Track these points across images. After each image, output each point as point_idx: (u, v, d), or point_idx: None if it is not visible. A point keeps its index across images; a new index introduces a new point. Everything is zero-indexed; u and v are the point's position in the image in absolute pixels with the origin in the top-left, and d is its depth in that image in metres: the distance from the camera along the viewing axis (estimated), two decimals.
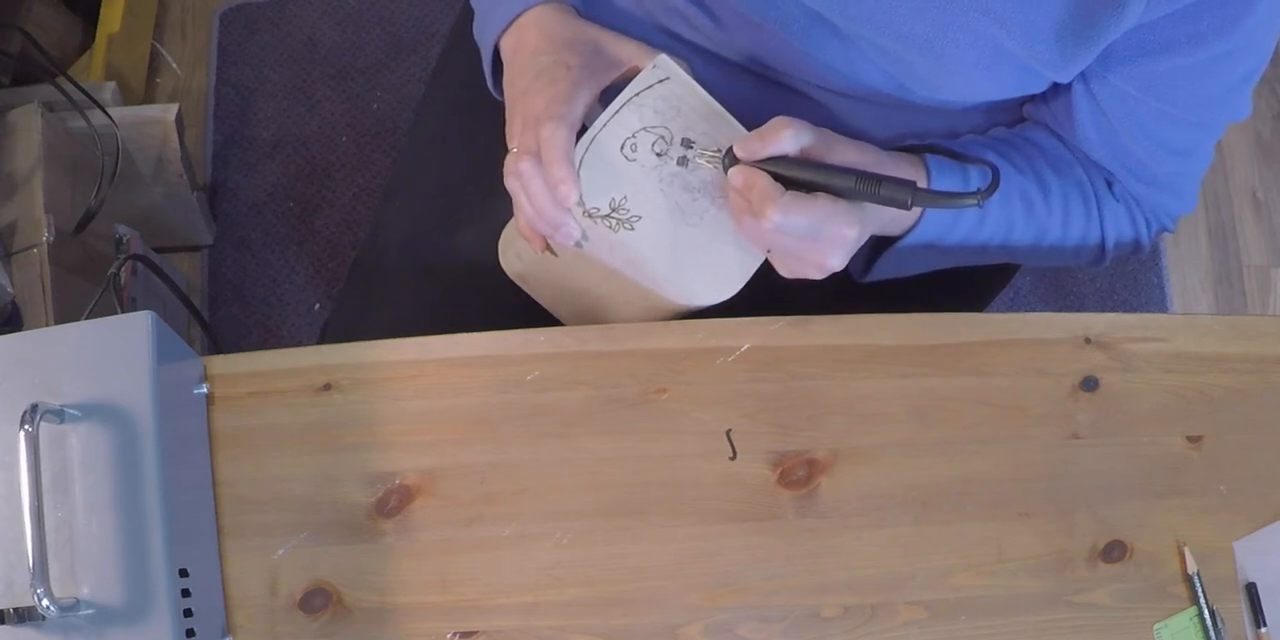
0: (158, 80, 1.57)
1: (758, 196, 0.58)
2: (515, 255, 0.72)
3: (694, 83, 0.63)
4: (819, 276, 0.63)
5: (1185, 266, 1.57)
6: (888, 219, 0.65)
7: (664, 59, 0.62)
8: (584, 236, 0.62)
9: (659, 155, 0.62)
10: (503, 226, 0.74)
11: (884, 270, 0.72)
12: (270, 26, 1.59)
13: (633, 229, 0.61)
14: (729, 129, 0.63)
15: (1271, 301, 1.57)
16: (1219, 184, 1.62)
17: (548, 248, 0.67)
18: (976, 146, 0.70)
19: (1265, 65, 0.63)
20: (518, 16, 0.67)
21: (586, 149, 0.60)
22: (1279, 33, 0.62)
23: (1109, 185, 0.71)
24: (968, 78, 0.64)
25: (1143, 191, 0.71)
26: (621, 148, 0.61)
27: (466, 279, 0.80)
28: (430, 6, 1.60)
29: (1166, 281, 1.55)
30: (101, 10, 1.46)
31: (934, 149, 0.67)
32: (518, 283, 0.75)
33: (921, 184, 0.65)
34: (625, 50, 0.66)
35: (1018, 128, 0.74)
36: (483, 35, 0.71)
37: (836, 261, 0.61)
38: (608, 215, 0.61)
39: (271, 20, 1.59)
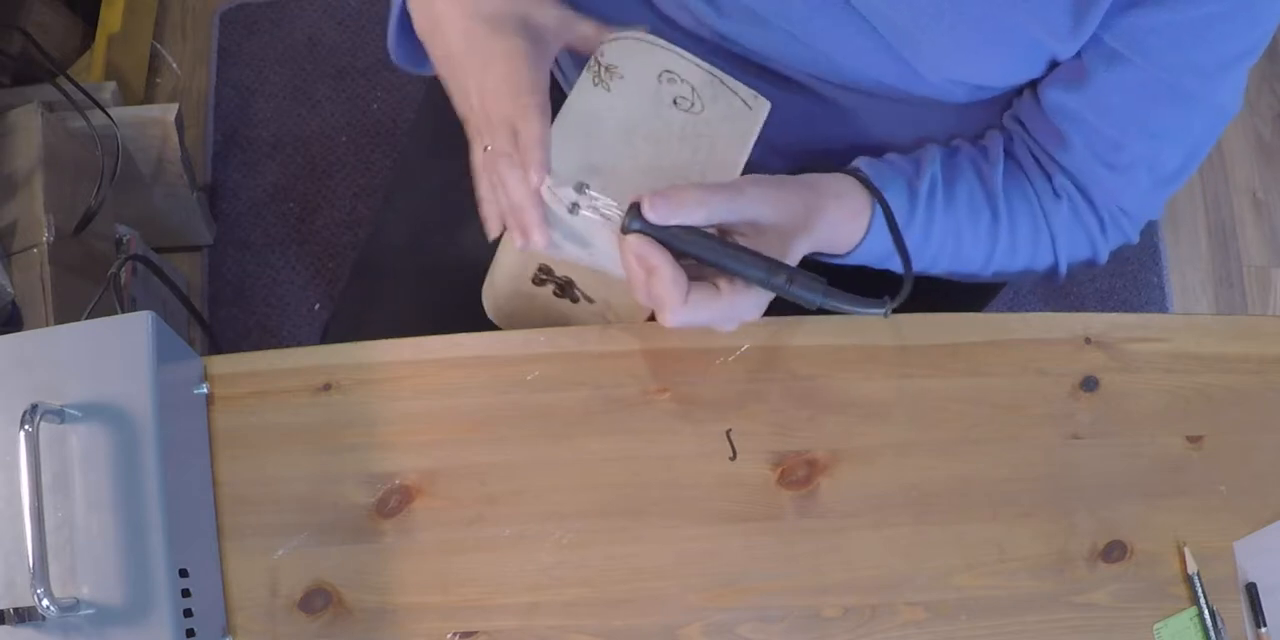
0: (158, 80, 1.57)
1: (658, 291, 0.55)
2: (494, 297, 0.72)
3: (656, 38, 0.63)
4: (731, 329, 0.61)
5: (1185, 266, 1.57)
6: (822, 245, 0.63)
7: (628, 31, 0.63)
8: (558, 226, 0.60)
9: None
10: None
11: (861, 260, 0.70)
12: (270, 26, 1.59)
13: (608, 217, 0.59)
14: (700, 71, 0.63)
15: (1271, 301, 1.57)
16: (1219, 184, 1.62)
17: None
18: (924, 163, 0.69)
19: (1261, 48, 0.62)
20: None
21: (564, 120, 0.60)
22: (1276, 14, 0.61)
23: (1057, 196, 0.69)
24: (976, 56, 0.63)
25: (1106, 182, 0.68)
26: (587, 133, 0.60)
27: (467, 279, 0.80)
28: None
29: (1166, 281, 1.55)
30: (101, 10, 1.46)
31: (882, 200, 0.65)
32: (503, 323, 0.74)
33: (854, 223, 0.64)
34: (551, 21, 0.63)
35: (980, 137, 0.73)
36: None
37: (751, 317, 0.59)
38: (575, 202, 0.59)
39: (271, 20, 1.59)
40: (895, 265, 0.67)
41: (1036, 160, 0.70)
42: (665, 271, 0.54)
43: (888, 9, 0.61)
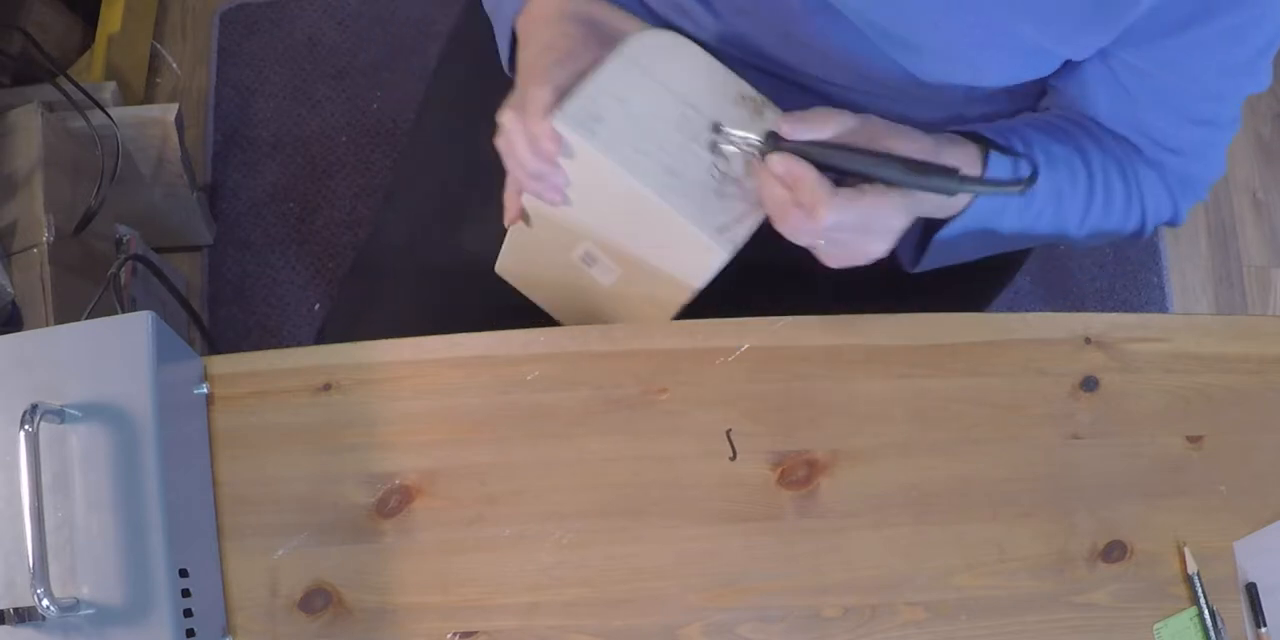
0: (158, 80, 1.57)
1: (807, 194, 0.57)
2: (510, 260, 0.73)
3: (692, 44, 0.62)
4: (864, 263, 0.62)
5: (1185, 266, 1.57)
6: (933, 205, 0.63)
7: (659, 30, 0.62)
8: (569, 182, 0.62)
9: (657, 112, 0.61)
10: (501, 225, 0.74)
11: (934, 260, 0.71)
12: (270, 26, 1.59)
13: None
14: (730, 83, 0.62)
15: (1271, 301, 1.57)
16: (1219, 184, 1.61)
17: (523, 217, 0.67)
18: (1017, 127, 0.70)
19: None
20: None
21: (576, 96, 0.59)
22: None
23: (1147, 164, 0.70)
24: (976, 60, 0.63)
25: (1169, 160, 0.70)
26: (612, 99, 0.60)
27: (466, 279, 0.80)
28: (430, 6, 1.60)
29: (1167, 281, 1.55)
30: (101, 10, 1.46)
31: (979, 137, 0.66)
32: (511, 279, 0.75)
33: (973, 168, 0.64)
34: (628, 27, 0.65)
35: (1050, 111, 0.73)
36: (499, 15, 0.71)
37: (882, 249, 0.60)
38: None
39: (271, 20, 1.59)
40: (1003, 224, 0.67)
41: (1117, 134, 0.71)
42: (809, 175, 0.57)
43: (881, 18, 0.61)
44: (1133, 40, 0.61)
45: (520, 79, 0.63)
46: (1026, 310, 0.69)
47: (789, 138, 0.58)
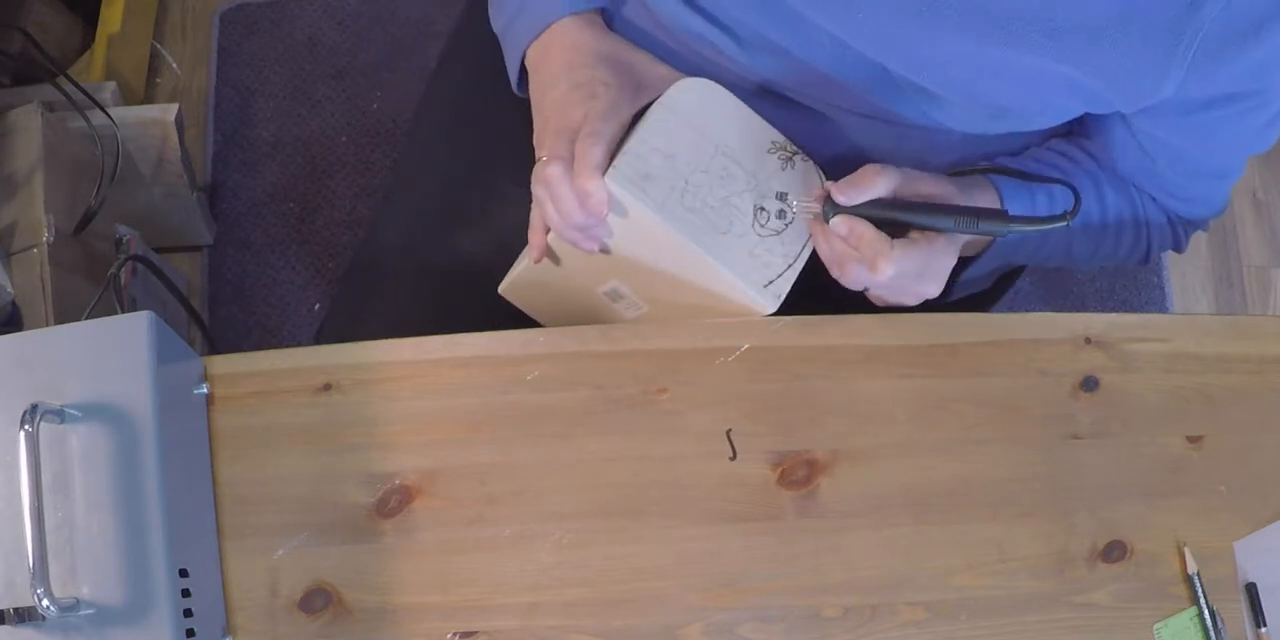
0: (158, 80, 1.57)
1: (868, 249, 0.60)
2: (513, 281, 0.73)
3: (727, 92, 0.64)
4: (914, 303, 0.65)
5: (1185, 266, 1.57)
6: (970, 245, 0.67)
7: (696, 79, 0.64)
8: (610, 234, 0.63)
9: (697, 166, 0.63)
10: (501, 225, 0.74)
11: (963, 289, 0.75)
12: (270, 26, 1.59)
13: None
14: (763, 132, 0.65)
15: (1271, 301, 1.57)
16: None
17: (550, 255, 0.67)
18: (1043, 161, 0.71)
19: None
20: (550, 25, 0.68)
21: (622, 158, 0.61)
22: None
23: (1153, 198, 0.73)
24: (1000, 114, 0.65)
25: (1177, 206, 0.73)
26: (660, 156, 0.62)
27: (465, 279, 0.80)
28: (430, 6, 1.60)
29: (1167, 281, 1.55)
30: (101, 10, 1.46)
31: (999, 168, 0.68)
32: (516, 301, 0.75)
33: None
34: (658, 72, 0.67)
35: (1063, 140, 0.74)
36: (510, 36, 0.71)
37: (934, 290, 0.64)
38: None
39: (271, 20, 1.59)
40: (1018, 257, 0.71)
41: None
42: (869, 232, 0.61)
43: (910, 73, 0.62)
44: (1154, 115, 0.62)
45: (556, 123, 0.63)
46: (1026, 310, 0.69)
47: (846, 204, 0.61)
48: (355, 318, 0.85)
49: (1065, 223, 0.62)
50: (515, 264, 0.73)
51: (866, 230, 0.61)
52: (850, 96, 0.67)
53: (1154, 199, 0.73)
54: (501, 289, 0.74)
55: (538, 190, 0.63)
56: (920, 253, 0.61)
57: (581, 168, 0.60)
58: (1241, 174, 0.71)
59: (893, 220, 0.61)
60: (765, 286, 0.63)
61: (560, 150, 0.61)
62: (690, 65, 0.69)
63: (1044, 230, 0.62)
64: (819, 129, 0.70)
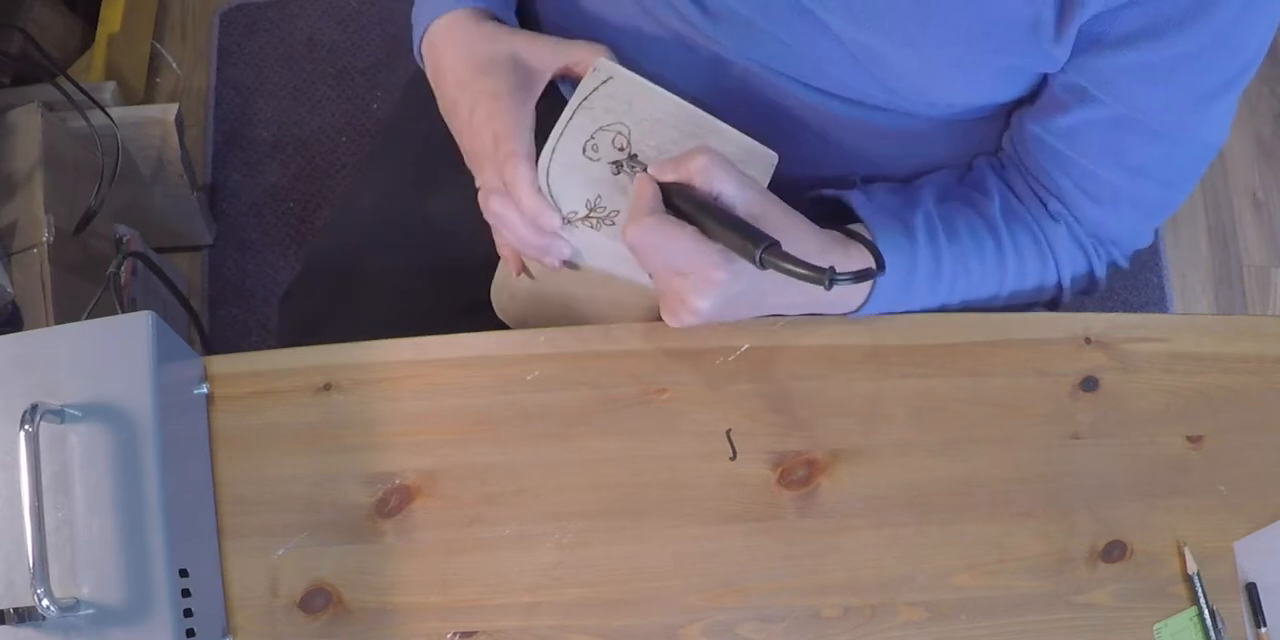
0: (158, 80, 1.57)
1: (633, 207, 0.58)
2: (509, 297, 0.73)
3: (637, 77, 0.62)
4: (692, 321, 0.59)
5: (1185, 266, 1.57)
6: (814, 298, 0.63)
7: (603, 62, 0.63)
8: (571, 249, 0.63)
9: (621, 150, 0.62)
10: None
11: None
12: (270, 26, 1.59)
13: (614, 224, 0.61)
14: (685, 116, 0.62)
15: (1271, 301, 1.57)
16: (1219, 184, 1.62)
17: (524, 270, 0.68)
18: (919, 198, 0.69)
19: (1246, 78, 0.61)
20: (426, 30, 0.68)
21: (550, 159, 0.61)
22: (1259, 43, 0.59)
23: (1044, 205, 0.69)
24: (948, 78, 0.63)
25: (1082, 204, 0.68)
26: (584, 151, 0.61)
27: (439, 246, 0.80)
28: None
29: (1167, 281, 1.55)
30: (101, 10, 1.46)
31: (859, 223, 0.65)
32: (513, 324, 0.75)
33: (852, 265, 0.62)
34: (540, 52, 0.66)
35: (969, 169, 0.73)
36: (417, 27, 0.71)
37: (704, 305, 0.58)
38: (586, 216, 0.61)
39: (271, 20, 1.59)
40: (913, 302, 0.67)
41: (1029, 186, 0.70)
42: (647, 194, 0.58)
43: (858, 31, 0.61)
44: (1077, 51, 0.60)
45: (471, 149, 0.64)
46: (1026, 310, 0.69)
47: (651, 174, 0.59)
48: (325, 298, 0.84)
49: (824, 283, 0.51)
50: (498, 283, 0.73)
51: (646, 192, 0.57)
52: (815, 71, 0.66)
53: (1063, 209, 0.69)
54: (493, 301, 0.74)
55: (490, 220, 0.64)
56: (680, 238, 0.55)
57: (517, 193, 0.60)
58: (1175, 198, 0.67)
59: (686, 213, 0.57)
60: None
61: (491, 181, 0.62)
62: (654, 36, 0.69)
63: (799, 278, 0.52)
64: (790, 110, 0.70)
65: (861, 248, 0.63)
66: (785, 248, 0.53)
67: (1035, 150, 0.68)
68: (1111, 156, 0.65)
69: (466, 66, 0.65)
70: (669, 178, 0.58)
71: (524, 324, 0.74)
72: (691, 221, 0.56)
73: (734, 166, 0.58)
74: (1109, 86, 0.61)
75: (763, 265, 0.53)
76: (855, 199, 0.68)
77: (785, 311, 0.66)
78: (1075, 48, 0.60)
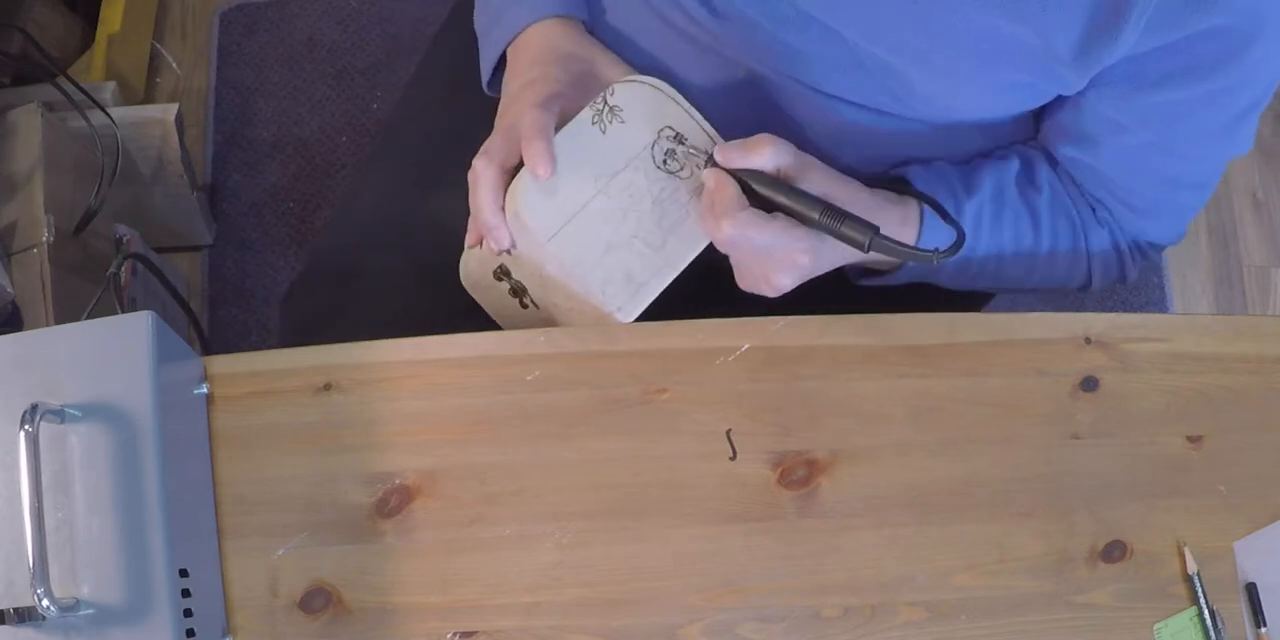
0: (158, 80, 1.57)
1: (720, 205, 0.60)
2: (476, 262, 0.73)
3: (674, 91, 0.64)
4: (770, 294, 0.64)
5: (1185, 266, 1.57)
6: (854, 256, 0.65)
7: (648, 78, 0.64)
8: (514, 245, 0.64)
9: (648, 148, 0.63)
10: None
11: (872, 283, 0.74)
12: (270, 26, 1.59)
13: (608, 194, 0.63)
14: (705, 137, 0.65)
15: (1271, 301, 1.57)
16: (1219, 184, 1.62)
17: (478, 245, 0.68)
18: (975, 173, 0.70)
19: (1266, 100, 0.63)
20: (527, 26, 0.69)
21: (569, 134, 0.62)
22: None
23: (1093, 210, 0.72)
24: (958, 92, 0.64)
25: (1127, 219, 0.72)
26: (592, 122, 0.63)
27: (440, 246, 0.80)
28: (430, 6, 1.60)
29: (1167, 281, 1.55)
30: (101, 10, 1.46)
31: (919, 194, 0.67)
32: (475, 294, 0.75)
33: (905, 229, 0.66)
34: (614, 73, 0.67)
35: (1010, 149, 0.74)
36: (490, 36, 0.72)
37: (786, 282, 0.63)
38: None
39: (271, 20, 1.59)
40: (941, 279, 0.70)
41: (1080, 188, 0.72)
42: (731, 190, 0.61)
43: (868, 42, 0.62)
44: (1108, 89, 0.61)
45: (503, 114, 0.65)
46: (1026, 310, 0.69)
47: (724, 166, 0.62)
48: (327, 290, 0.84)
49: (931, 260, 0.61)
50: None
51: (729, 188, 0.61)
52: (823, 76, 0.66)
53: (1110, 217, 0.71)
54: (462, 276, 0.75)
55: (470, 178, 0.64)
56: (772, 230, 0.60)
57: (529, 143, 0.60)
58: (1205, 191, 0.70)
59: (767, 197, 0.61)
60: (619, 308, 0.64)
61: (493, 143, 0.63)
62: (663, 38, 0.70)
63: (906, 258, 0.62)
64: (798, 112, 0.70)
65: (911, 206, 0.67)
66: (842, 202, 0.60)
67: (1070, 168, 0.70)
68: (1145, 173, 0.68)
69: (544, 53, 0.68)
70: (740, 165, 0.61)
71: (476, 291, 0.74)
72: (765, 205, 0.61)
73: (793, 146, 0.61)
74: (1144, 121, 0.63)
75: (870, 249, 0.60)
76: (911, 169, 0.70)
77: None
78: (1109, 82, 0.61)
